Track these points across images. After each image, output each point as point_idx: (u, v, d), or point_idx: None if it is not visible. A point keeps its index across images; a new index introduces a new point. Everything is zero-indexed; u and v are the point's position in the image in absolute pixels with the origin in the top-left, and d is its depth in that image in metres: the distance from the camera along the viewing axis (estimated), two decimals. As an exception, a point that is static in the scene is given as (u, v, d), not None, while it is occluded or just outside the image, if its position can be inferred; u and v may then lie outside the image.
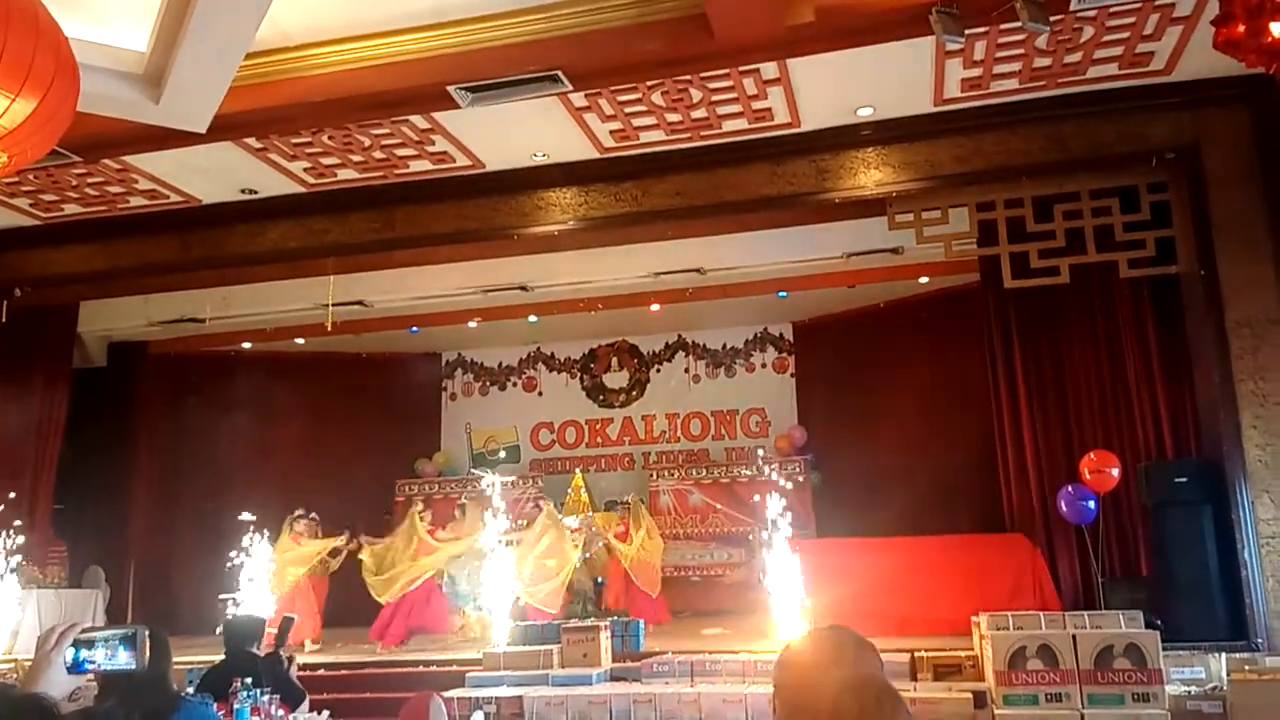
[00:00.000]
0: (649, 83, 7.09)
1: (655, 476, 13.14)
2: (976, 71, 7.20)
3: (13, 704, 1.55)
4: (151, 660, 2.18)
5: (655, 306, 11.76)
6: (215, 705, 4.08)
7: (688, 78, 7.04)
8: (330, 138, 7.85)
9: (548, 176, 8.61)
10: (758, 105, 7.53)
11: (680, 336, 13.91)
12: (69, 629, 1.91)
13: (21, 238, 9.44)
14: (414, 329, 12.66)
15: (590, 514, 11.36)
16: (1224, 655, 6.27)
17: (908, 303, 11.65)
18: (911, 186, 8.08)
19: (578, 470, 12.71)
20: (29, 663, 1.95)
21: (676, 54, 6.54)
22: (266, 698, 4.58)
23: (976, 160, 7.87)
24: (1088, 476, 7.77)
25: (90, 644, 1.94)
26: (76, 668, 1.94)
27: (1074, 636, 5.96)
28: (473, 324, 12.33)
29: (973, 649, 6.87)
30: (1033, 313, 8.62)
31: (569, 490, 12.36)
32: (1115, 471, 7.72)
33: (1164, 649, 5.89)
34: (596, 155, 8.28)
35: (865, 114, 7.81)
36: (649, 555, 10.57)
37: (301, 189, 8.78)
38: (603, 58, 6.53)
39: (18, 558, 9.38)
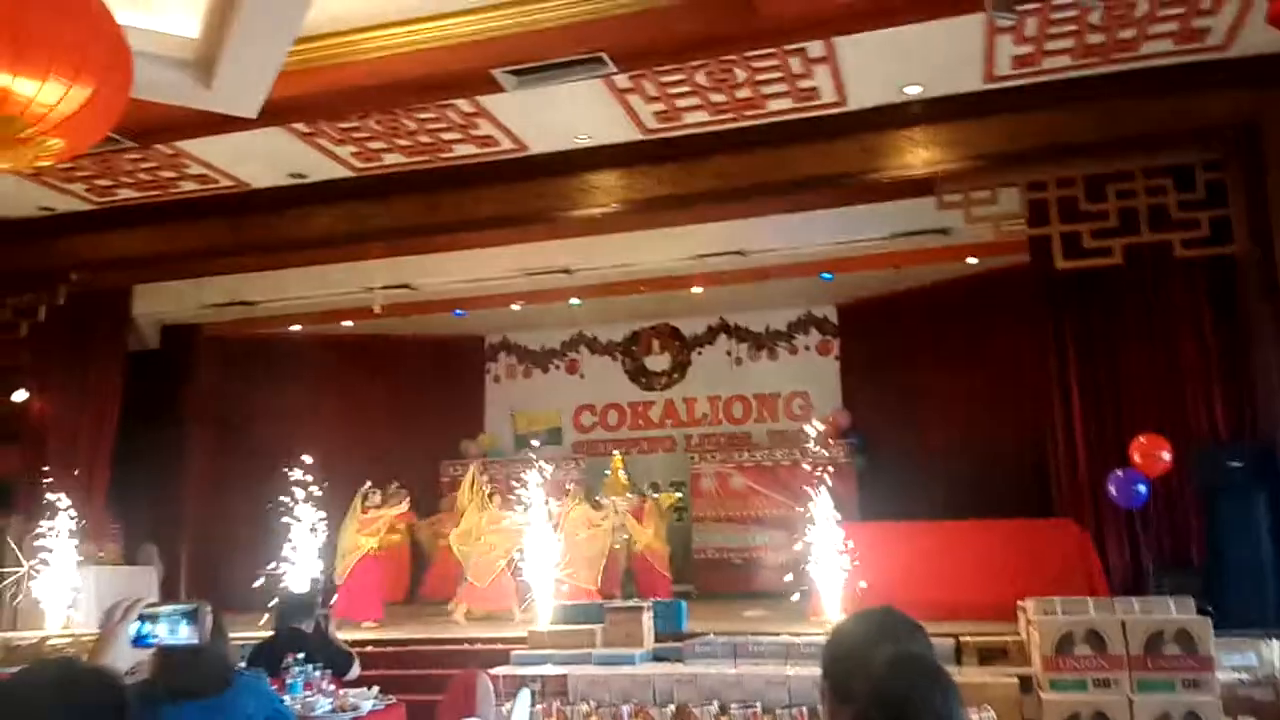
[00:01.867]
0: (693, 63, 7.06)
1: (697, 459, 13.14)
2: (1028, 48, 7.07)
3: (79, 676, 1.59)
4: (210, 637, 2.23)
5: (697, 289, 11.74)
6: (269, 680, 4.17)
7: (732, 57, 7.00)
8: (377, 122, 7.92)
9: (591, 159, 8.61)
10: (803, 84, 7.46)
11: (722, 319, 13.87)
12: (134, 604, 1.95)
13: (77, 222, 9.65)
14: (458, 312, 12.75)
15: (614, 498, 11.38)
16: (1276, 642, 6.16)
17: (955, 285, 11.49)
18: (960, 166, 7.97)
19: (616, 452, 12.74)
20: (86, 638, 2.00)
21: (721, 33, 6.51)
22: (318, 673, 4.68)
23: (1027, 139, 7.74)
24: (1138, 460, 7.63)
25: (154, 619, 1.98)
26: (140, 641, 1.98)
27: (1123, 622, 5.88)
28: (516, 307, 12.40)
29: (1019, 634, 6.81)
30: (1084, 294, 8.46)
31: (607, 472, 12.41)
32: (1166, 455, 7.57)
33: (1215, 635, 5.80)
34: (640, 137, 8.27)
35: (913, 92, 7.71)
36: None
37: (349, 173, 8.87)
38: (647, 39, 6.52)
39: (73, 539, 9.64)
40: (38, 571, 9.53)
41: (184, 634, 1.98)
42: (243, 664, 4.85)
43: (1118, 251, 7.86)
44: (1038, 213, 8.11)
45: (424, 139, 8.24)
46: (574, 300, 12.12)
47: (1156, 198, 7.84)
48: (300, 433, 12.37)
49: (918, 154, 7.97)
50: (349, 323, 12.57)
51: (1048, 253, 8.12)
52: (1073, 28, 6.80)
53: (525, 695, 4.92)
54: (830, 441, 12.16)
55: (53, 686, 1.53)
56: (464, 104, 7.62)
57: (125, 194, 9.21)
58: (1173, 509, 8.01)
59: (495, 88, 6.99)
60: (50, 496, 9.72)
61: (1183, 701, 5.60)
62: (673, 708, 5.88)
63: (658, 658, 6.80)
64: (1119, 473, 7.72)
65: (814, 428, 10.04)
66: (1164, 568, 7.70)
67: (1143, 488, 7.62)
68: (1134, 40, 7.01)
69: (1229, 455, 7.48)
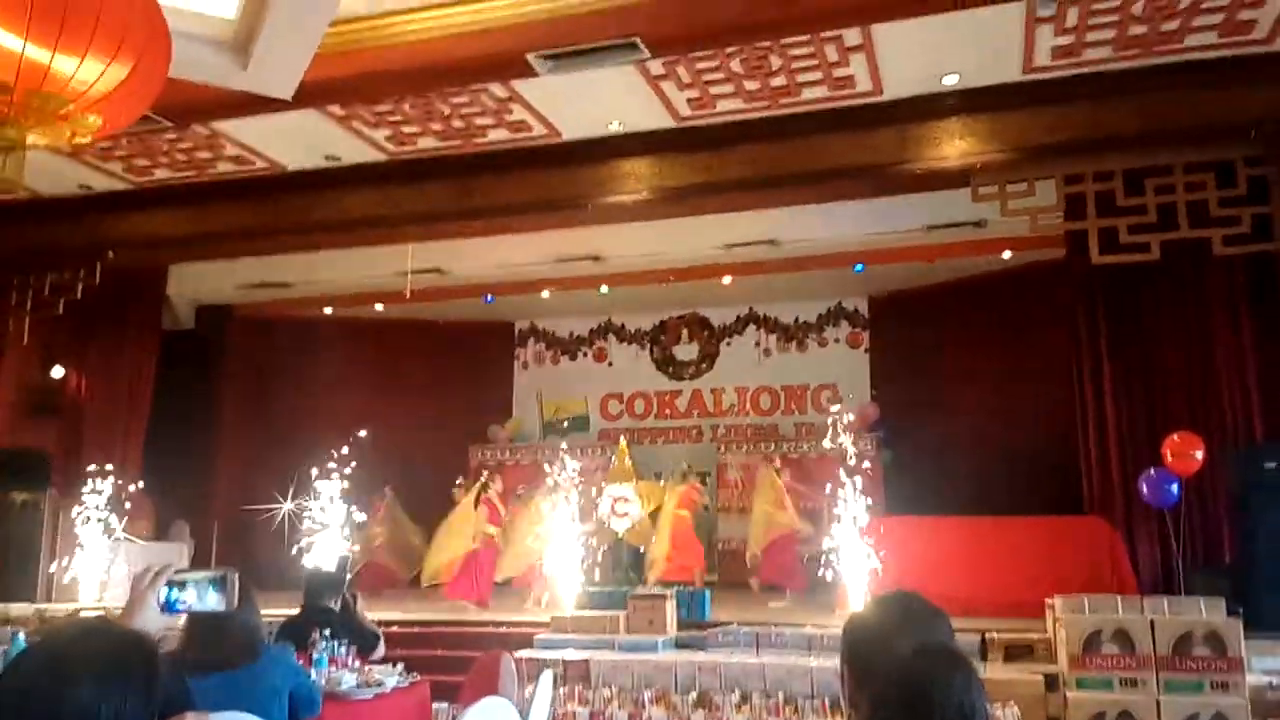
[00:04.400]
0: (728, 50, 7.02)
1: (723, 449, 13.11)
2: (1068, 39, 6.97)
3: (111, 633, 1.61)
4: (239, 607, 2.25)
5: (727, 279, 11.70)
6: (296, 654, 4.22)
7: (767, 44, 6.95)
8: (411, 106, 7.94)
9: (623, 146, 8.59)
10: (839, 73, 7.40)
11: (752, 309, 13.82)
12: (163, 570, 1.97)
13: (114, 201, 9.76)
14: (488, 298, 12.80)
15: (635, 483, 11.41)
16: (1310, 646, 6.08)
17: (989, 278, 11.38)
18: (997, 157, 7.88)
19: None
20: (119, 611, 2.02)
21: (756, 19, 6.47)
22: (344, 648, 4.72)
23: (1065, 131, 7.63)
24: (1170, 459, 7.54)
25: (183, 585, 1.99)
26: (169, 607, 2.00)
27: (1152, 621, 5.83)
28: (545, 294, 12.43)
29: (1045, 631, 6.75)
30: (1120, 290, 8.35)
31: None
32: (1199, 454, 7.47)
33: (1246, 638, 5.72)
34: (672, 124, 8.24)
35: (951, 82, 7.61)
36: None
37: (383, 157, 8.91)
38: (682, 24, 6.48)
39: (107, 514, 9.79)
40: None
41: (212, 600, 1.99)
42: (270, 639, 4.91)
43: (1155, 247, 7.73)
44: (1074, 206, 7.99)
45: (457, 123, 8.26)
46: (603, 288, 12.13)
47: (1196, 193, 7.70)
48: (330, 415, 12.53)
49: (954, 145, 7.88)
50: (380, 306, 12.66)
51: (1084, 247, 8.00)
52: (1115, 18, 6.69)
53: (548, 678, 4.94)
54: (858, 434, 12.11)
55: (86, 641, 1.55)
56: (497, 89, 7.62)
57: (162, 174, 9.31)
58: (1205, 509, 7.91)
59: (529, 72, 6.98)
60: (86, 472, 9.88)
61: (1211, 703, 5.55)
62: (694, 695, 5.90)
63: (680, 645, 6.82)
64: (1151, 472, 7.63)
65: (841, 421, 9.99)
66: (1195, 568, 7.60)
67: (1175, 487, 7.52)
68: (1177, 32, 6.89)
69: (1265, 456, 7.36)
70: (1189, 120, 7.46)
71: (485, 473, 10.77)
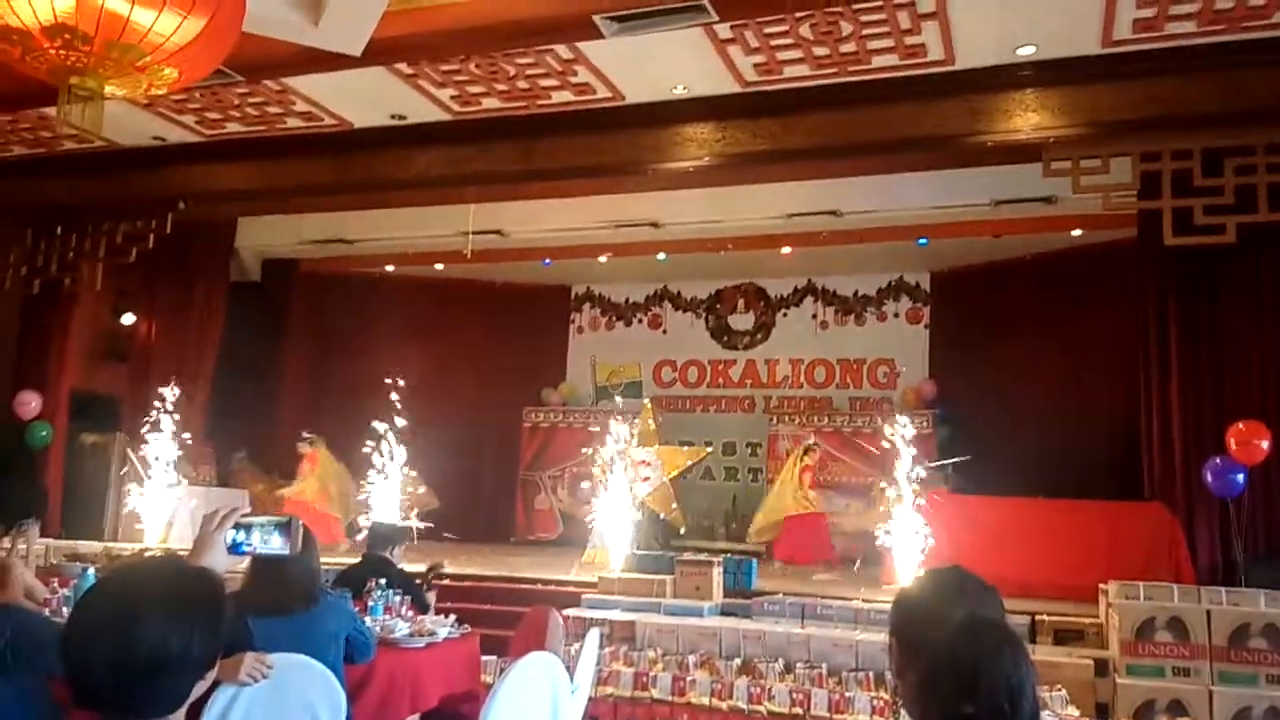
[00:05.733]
0: (798, 14, 6.90)
1: (775, 421, 13.08)
2: (1150, 11, 6.74)
3: (183, 576, 1.67)
4: (301, 552, 2.32)
5: (786, 249, 11.60)
6: (352, 602, 4.33)
7: (839, 9, 6.82)
8: (477, 66, 7.95)
9: (686, 111, 8.51)
10: (911, 40, 7.24)
11: (810, 281, 13.70)
12: (231, 513, 2.04)
13: (186, 153, 9.94)
14: (546, 261, 12.86)
15: (656, 447, 11.39)
16: (1374, 645, 5.91)
17: (1057, 257, 11.15)
18: (1071, 132, 7.66)
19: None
20: (184, 552, 2.10)
21: (829, -17, 6.35)
22: (399, 598, 4.83)
23: (1144, 107, 7.40)
24: (1234, 447, 7.35)
25: (248, 528, 2.07)
26: (234, 549, 2.08)
27: (1208, 611, 5.73)
28: (603, 259, 12.45)
29: (1098, 617, 6.67)
30: (1192, 273, 8.11)
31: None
32: (1265, 443, 7.27)
33: (1308, 633, 5.60)
34: (738, 90, 8.13)
35: (1026, 53, 7.41)
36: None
37: (448, 117, 8.94)
38: (751, -13, 6.39)
39: (172, 458, 10.09)
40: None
41: (276, 544, 2.06)
42: (328, 584, 5.05)
43: (1231, 229, 7.49)
44: (1149, 185, 7.76)
45: (522, 84, 8.25)
46: (661, 255, 12.10)
47: (1278, 174, 7.44)
48: (388, 371, 12.73)
49: (1027, 118, 7.68)
50: (440, 266, 12.80)
51: (1157, 228, 7.78)
52: (1201, -10, 6.46)
53: (594, 636, 5.00)
54: (913, 411, 11.97)
55: (155, 578, 1.61)
56: (563, 50, 7.59)
57: (233, 127, 9.45)
58: (1269, 499, 7.71)
59: (594, 33, 6.94)
60: (153, 417, 10.18)
61: (1266, 696, 5.45)
62: (739, 662, 5.93)
63: (725, 613, 6.85)
64: (1217, 460, 7.45)
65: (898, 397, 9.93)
66: (1256, 559, 7.43)
67: (1240, 476, 7.35)
68: (1266, 7, 6.62)
69: (1335, 448, 7.15)
70: (1273, 99, 7.19)
71: (812, 437, 10.95)
